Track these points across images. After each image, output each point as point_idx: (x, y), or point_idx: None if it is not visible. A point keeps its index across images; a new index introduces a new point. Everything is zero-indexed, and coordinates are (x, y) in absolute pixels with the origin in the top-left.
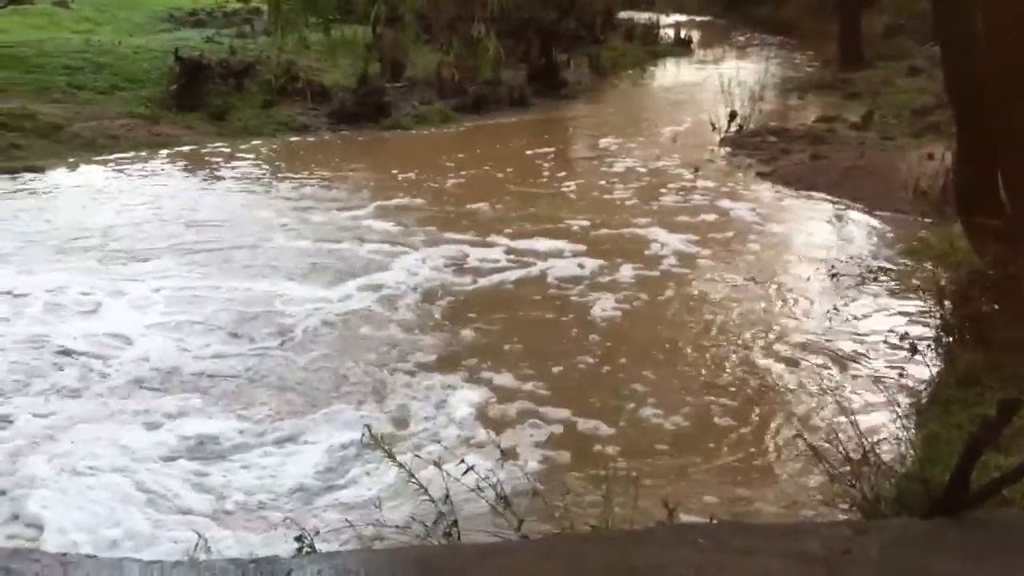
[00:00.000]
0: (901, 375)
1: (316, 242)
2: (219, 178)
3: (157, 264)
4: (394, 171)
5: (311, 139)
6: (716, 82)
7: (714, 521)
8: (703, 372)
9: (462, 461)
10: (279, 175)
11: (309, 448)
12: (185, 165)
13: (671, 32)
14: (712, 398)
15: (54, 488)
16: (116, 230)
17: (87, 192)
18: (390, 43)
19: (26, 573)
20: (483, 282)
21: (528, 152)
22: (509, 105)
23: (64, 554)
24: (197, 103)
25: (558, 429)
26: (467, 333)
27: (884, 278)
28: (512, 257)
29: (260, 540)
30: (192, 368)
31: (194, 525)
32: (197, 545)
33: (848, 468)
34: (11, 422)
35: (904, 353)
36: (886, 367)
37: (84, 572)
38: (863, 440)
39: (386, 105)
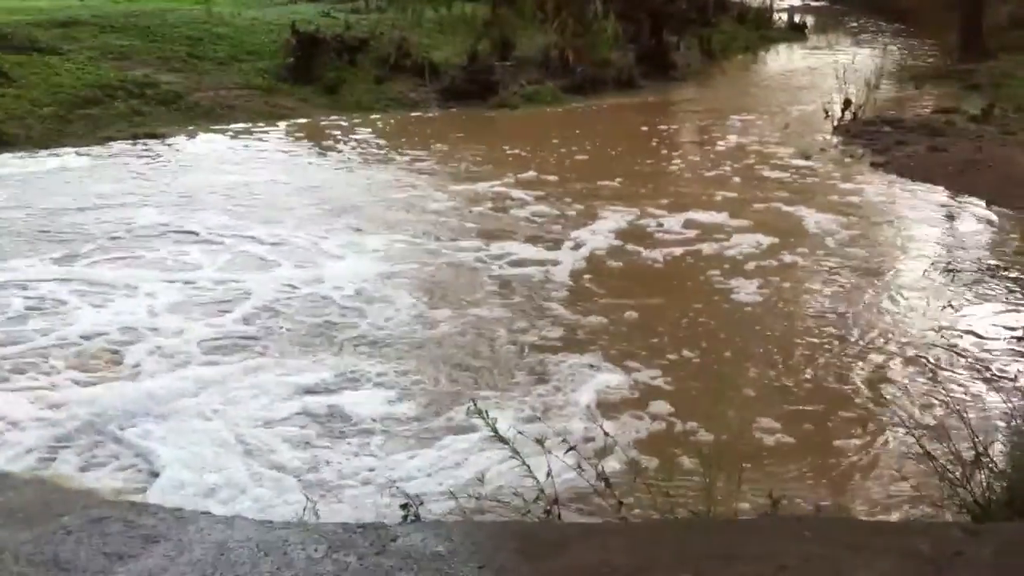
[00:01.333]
0: (1018, 376)
1: (469, 210)
2: (336, 150)
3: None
4: (508, 148)
5: (421, 115)
6: (830, 69)
7: (821, 515)
8: (814, 364)
9: (564, 440)
10: (397, 148)
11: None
12: (301, 136)
13: (784, 16)
14: (821, 391)
15: None
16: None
17: (206, 159)
18: (495, 21)
19: (144, 526)
20: (632, 257)
21: (638, 133)
22: (617, 86)
23: (179, 509)
24: (311, 76)
25: (666, 413)
26: (602, 310)
27: (1002, 276)
28: (641, 233)
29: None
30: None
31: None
32: (306, 508)
33: (959, 469)
34: None
35: (1022, 354)
36: (1002, 367)
37: (198, 527)
38: (976, 441)
39: (494, 84)
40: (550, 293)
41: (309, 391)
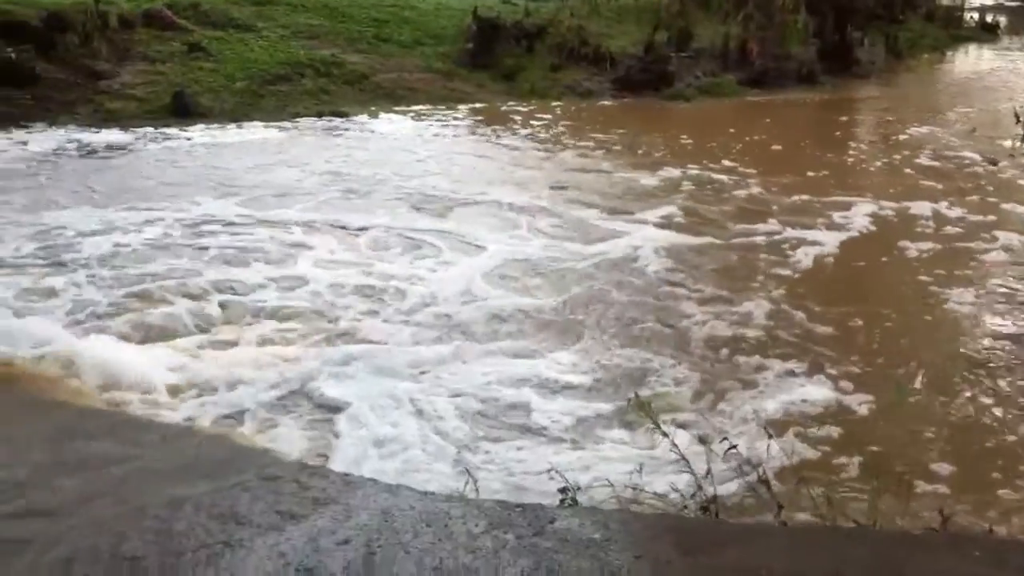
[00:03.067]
0: None
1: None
2: (519, 134)
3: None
4: (687, 139)
5: (595, 104)
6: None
7: (993, 536)
8: (1010, 384)
9: (725, 439)
10: (578, 134)
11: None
12: (481, 120)
13: (975, 16)
14: (1010, 414)
15: None
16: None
17: (388, 139)
18: (677, 11)
19: (314, 488)
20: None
21: (821, 129)
22: (796, 81)
23: (347, 474)
24: (489, 62)
25: (833, 416)
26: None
27: None
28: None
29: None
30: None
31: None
32: (467, 483)
33: None
34: None
35: None
36: None
37: (364, 493)
38: None
39: (669, 74)
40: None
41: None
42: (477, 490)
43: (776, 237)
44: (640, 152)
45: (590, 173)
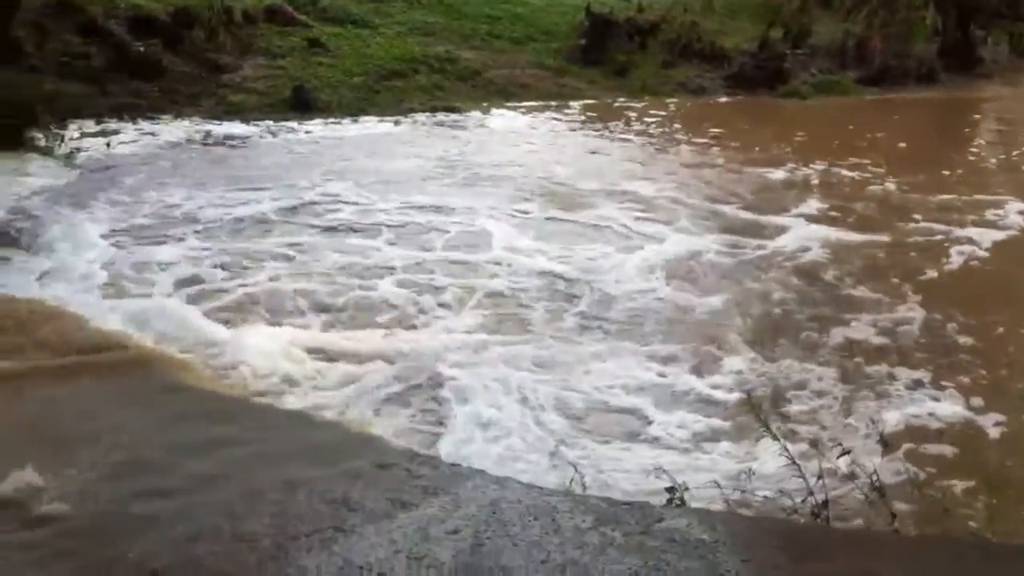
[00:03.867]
0: None
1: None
2: (631, 130)
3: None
4: (806, 136)
5: (708, 101)
6: None
7: None
8: None
9: (839, 444)
10: (695, 131)
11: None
12: (595, 116)
13: None
14: None
15: None
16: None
17: (504, 133)
18: (798, 7)
19: (424, 476)
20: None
21: (945, 130)
22: (916, 80)
23: (456, 464)
24: (601, 58)
25: (958, 431)
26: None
27: None
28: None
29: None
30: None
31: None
32: (572, 479)
33: None
34: None
35: None
36: None
37: (473, 484)
38: None
39: (784, 72)
40: None
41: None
42: (584, 486)
43: (926, 236)
44: (758, 149)
45: (714, 168)
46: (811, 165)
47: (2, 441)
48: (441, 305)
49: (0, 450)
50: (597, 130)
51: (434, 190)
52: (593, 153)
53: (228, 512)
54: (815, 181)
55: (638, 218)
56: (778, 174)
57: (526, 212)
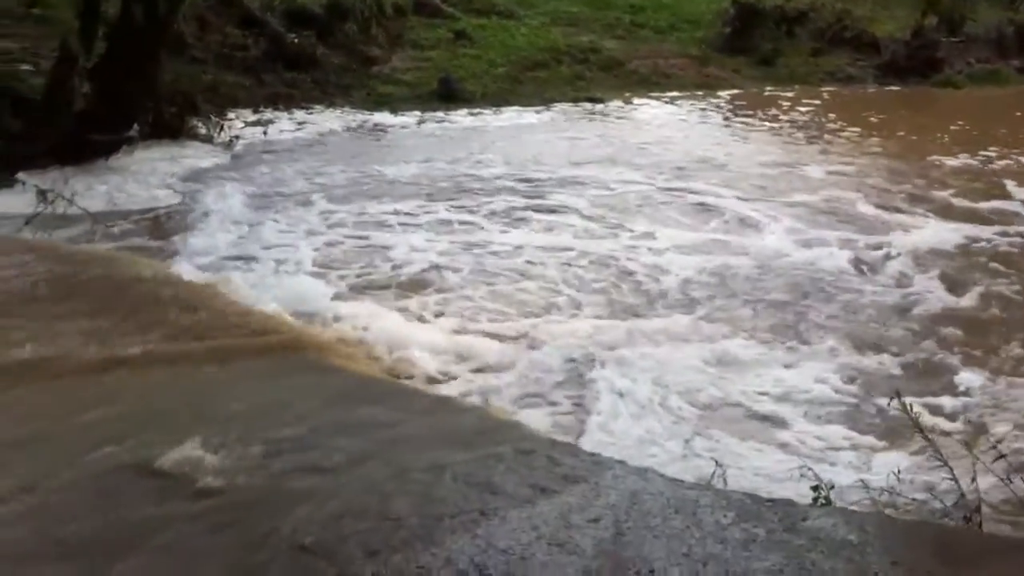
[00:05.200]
0: None
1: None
2: (786, 119)
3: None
4: (968, 126)
5: (859, 90)
6: None
7: None
8: None
9: (995, 446)
10: (854, 120)
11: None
12: (741, 105)
13: None
14: None
15: None
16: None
17: (653, 123)
18: None
19: (565, 464)
20: None
21: None
22: None
23: (596, 454)
24: (746, 47)
25: None
26: None
27: None
28: None
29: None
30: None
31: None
32: (714, 473)
33: None
34: None
35: None
36: None
37: (613, 474)
38: None
39: (938, 61)
40: None
41: None
42: (725, 481)
43: None
44: (930, 136)
45: (889, 158)
46: (986, 154)
47: (166, 418)
48: (600, 291)
49: (165, 426)
50: (751, 119)
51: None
52: (755, 142)
53: (375, 491)
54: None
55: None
56: (965, 161)
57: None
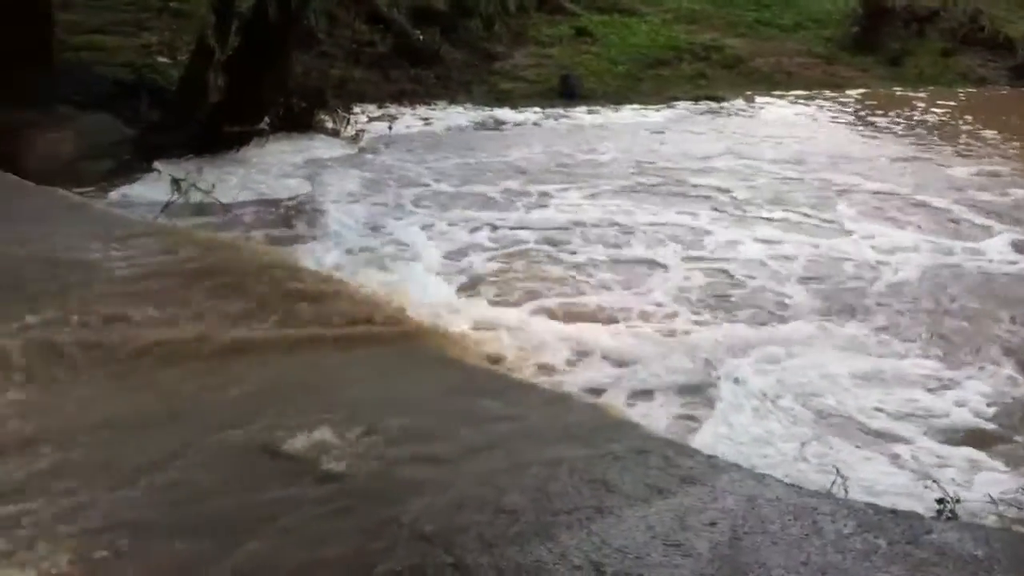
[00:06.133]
0: None
1: None
2: (921, 121)
3: None
4: None
5: (992, 92)
6: None
7: None
8: None
9: None
10: (994, 123)
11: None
12: (871, 105)
13: None
14: None
15: None
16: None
17: (770, 123)
18: None
19: (681, 466)
20: None
21: None
22: None
23: (713, 456)
24: (874, 47)
25: None
26: None
27: None
28: None
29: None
30: None
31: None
32: (834, 481)
33: None
34: None
35: None
36: None
37: (730, 477)
38: None
39: None
40: None
41: None
42: (846, 489)
43: None
44: None
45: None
46: None
47: (291, 402)
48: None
49: (290, 410)
50: (882, 118)
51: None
52: (888, 140)
53: (492, 483)
54: None
55: None
56: None
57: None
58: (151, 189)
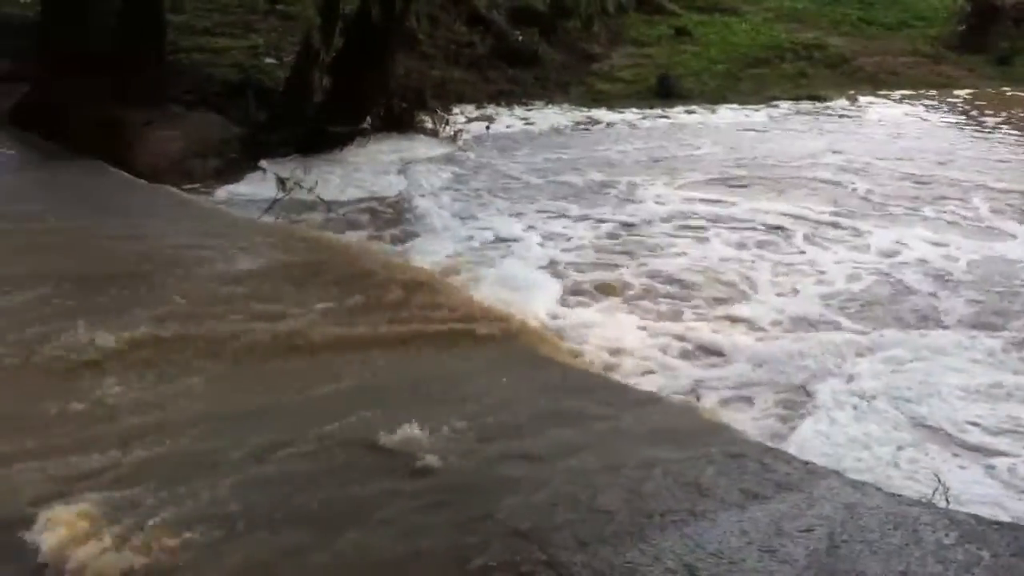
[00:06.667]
0: None
1: None
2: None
3: None
4: None
5: None
6: None
7: None
8: None
9: None
10: None
11: None
12: (981, 105)
13: None
14: None
15: None
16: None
17: (877, 123)
18: None
19: (777, 471)
20: None
21: None
22: None
23: (809, 463)
24: (982, 45)
25: None
26: None
27: None
28: None
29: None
30: None
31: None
32: (936, 490)
33: None
34: None
35: None
36: None
37: (828, 484)
38: None
39: None
40: None
41: None
42: (947, 499)
43: None
44: None
45: None
46: None
47: (390, 398)
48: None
49: (389, 405)
50: (992, 119)
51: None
52: (998, 142)
53: (586, 483)
54: None
55: None
56: None
57: None
58: (257, 187)
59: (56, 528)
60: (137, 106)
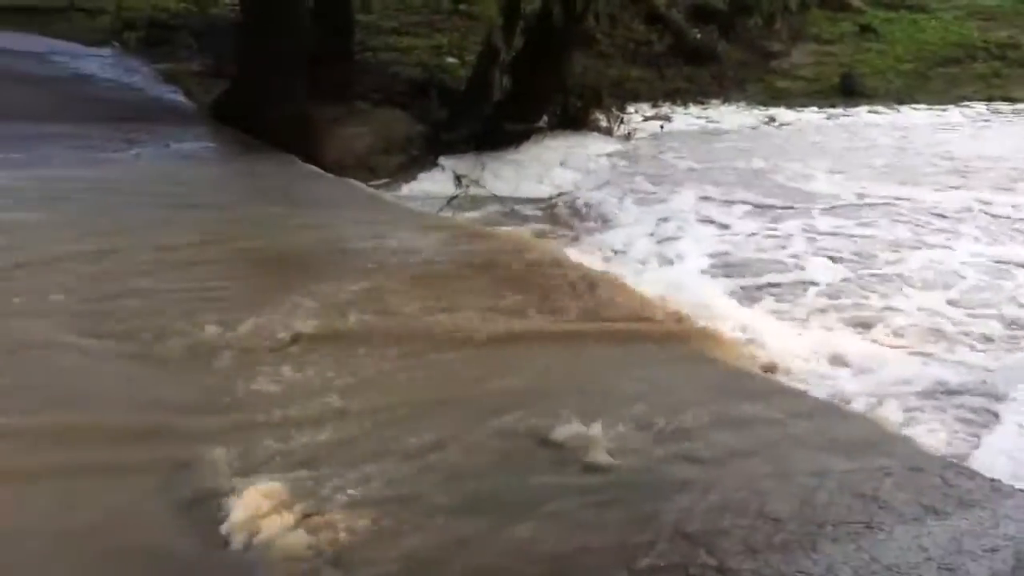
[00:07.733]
0: None
1: None
2: None
3: None
4: None
5: None
6: None
7: None
8: None
9: None
10: None
11: None
12: None
13: None
14: None
15: None
16: None
17: None
18: None
19: (959, 487)
20: None
21: None
22: None
23: (995, 479)
24: None
25: None
26: None
27: None
28: None
29: None
30: None
31: None
32: None
33: None
34: None
35: None
36: None
37: (1015, 503)
38: None
39: None
40: None
41: None
42: None
43: None
44: None
45: None
46: None
47: (558, 392)
48: None
49: (557, 400)
50: None
51: None
52: None
53: (756, 489)
54: None
55: None
56: None
57: None
58: (436, 183)
59: (244, 504)
60: (327, 103)
